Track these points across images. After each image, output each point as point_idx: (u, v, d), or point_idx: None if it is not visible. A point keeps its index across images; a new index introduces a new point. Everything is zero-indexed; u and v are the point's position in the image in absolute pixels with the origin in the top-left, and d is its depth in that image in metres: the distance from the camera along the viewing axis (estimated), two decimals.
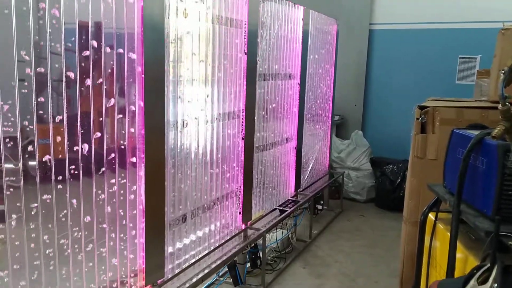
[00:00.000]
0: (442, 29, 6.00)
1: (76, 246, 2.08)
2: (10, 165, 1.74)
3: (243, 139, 3.40)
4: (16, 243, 1.81)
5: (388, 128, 6.44)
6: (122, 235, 2.34)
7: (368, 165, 6.01)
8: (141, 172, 2.40)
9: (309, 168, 4.92)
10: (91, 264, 2.18)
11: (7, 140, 1.74)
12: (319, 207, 5.21)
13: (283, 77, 4.05)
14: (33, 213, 1.86)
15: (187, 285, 2.70)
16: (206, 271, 2.88)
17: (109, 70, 2.15)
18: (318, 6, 4.85)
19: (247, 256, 3.66)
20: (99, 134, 2.12)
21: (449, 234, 1.81)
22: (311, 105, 4.75)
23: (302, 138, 4.54)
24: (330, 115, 5.47)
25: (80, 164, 2.04)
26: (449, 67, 5.97)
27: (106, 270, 2.26)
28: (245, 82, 3.34)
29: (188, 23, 2.65)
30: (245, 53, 3.31)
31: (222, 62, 3.04)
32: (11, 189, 1.77)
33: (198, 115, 2.85)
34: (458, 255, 1.71)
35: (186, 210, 2.83)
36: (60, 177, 1.95)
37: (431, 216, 2.10)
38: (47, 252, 1.94)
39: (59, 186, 1.96)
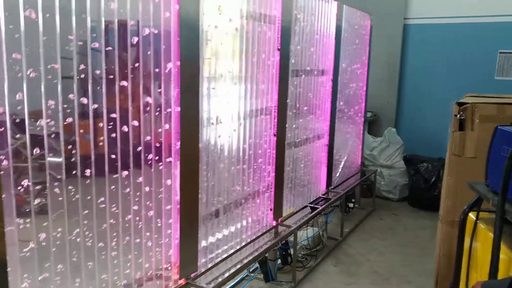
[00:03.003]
0: (480, 23, 5.81)
1: (114, 239, 2.12)
2: (53, 159, 1.78)
3: (274, 135, 3.38)
4: (57, 235, 1.85)
5: (422, 125, 6.30)
6: (157, 229, 2.37)
7: (401, 163, 5.90)
8: (177, 168, 2.42)
9: (341, 166, 4.86)
10: (129, 256, 2.21)
11: (51, 135, 1.78)
12: (351, 205, 5.14)
13: (316, 73, 4.01)
14: (73, 205, 1.90)
15: (220, 279, 2.72)
16: (238, 266, 2.89)
17: (147, 68, 2.17)
18: (352, 1, 4.77)
19: (278, 253, 3.65)
20: (137, 131, 2.15)
21: (491, 234, 1.75)
22: (343, 101, 4.69)
23: (334, 135, 4.48)
24: (363, 112, 5.39)
25: (119, 160, 2.07)
26: (488, 62, 5.78)
27: (142, 263, 2.29)
28: (277, 78, 3.33)
29: (222, 19, 2.65)
30: (278, 49, 3.29)
31: (255, 58, 3.03)
32: (55, 183, 1.81)
33: (231, 111, 2.85)
34: (502, 256, 1.65)
35: (219, 206, 2.84)
36: (97, 173, 1.99)
37: (472, 215, 2.04)
38: (88, 243, 1.99)
39: (100, 181, 1.99)
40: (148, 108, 2.22)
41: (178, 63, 2.32)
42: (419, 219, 5.32)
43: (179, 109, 2.36)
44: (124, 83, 2.06)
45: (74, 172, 1.89)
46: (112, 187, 2.07)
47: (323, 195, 4.39)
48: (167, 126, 2.33)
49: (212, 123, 2.68)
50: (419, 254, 4.32)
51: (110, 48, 1.97)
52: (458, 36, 5.96)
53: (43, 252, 1.82)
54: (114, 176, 2.07)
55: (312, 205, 4.04)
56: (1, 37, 1.58)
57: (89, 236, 2.00)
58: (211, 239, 2.81)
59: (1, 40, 1.58)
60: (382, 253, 4.33)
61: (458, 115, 2.89)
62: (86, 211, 1.96)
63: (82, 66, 1.86)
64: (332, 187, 4.60)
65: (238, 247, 3.04)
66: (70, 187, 1.88)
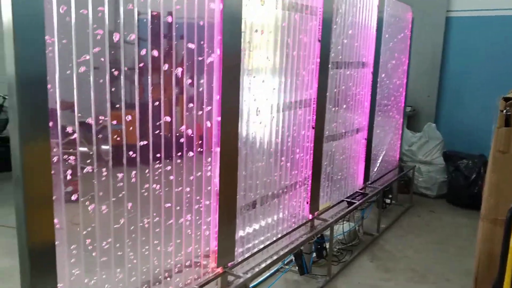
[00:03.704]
0: None
1: (157, 229, 2.16)
2: (85, 149, 1.82)
3: (313, 128, 3.36)
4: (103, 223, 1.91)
5: (463, 121, 6.12)
6: (197, 218, 2.41)
7: (440, 159, 5.76)
8: (216, 159, 2.44)
9: (379, 161, 4.79)
10: (170, 243, 2.26)
11: (82, 125, 1.80)
12: (388, 201, 5.07)
13: (356, 66, 3.96)
14: (104, 194, 1.95)
15: (256, 269, 2.74)
16: (274, 257, 2.91)
17: (189, 59, 2.20)
18: None
19: (313, 246, 3.64)
20: (178, 121, 2.18)
21: None
22: (383, 95, 4.61)
23: (372, 129, 4.42)
24: (403, 106, 5.29)
25: (162, 150, 2.11)
26: None
27: (182, 251, 2.33)
28: (317, 70, 3.30)
29: (264, 10, 2.65)
30: (319, 40, 3.26)
31: (296, 49, 3.01)
32: (88, 171, 1.87)
33: (270, 103, 2.85)
34: None
35: (256, 197, 2.85)
36: (137, 163, 2.03)
37: None
38: (132, 235, 2.04)
39: (141, 170, 2.04)
40: (189, 99, 2.24)
41: (220, 54, 2.34)
42: (457, 217, 5.19)
43: (220, 100, 2.38)
44: (166, 73, 2.09)
45: (117, 161, 1.93)
46: (155, 177, 2.11)
47: (360, 190, 4.34)
48: (208, 117, 2.36)
49: (252, 115, 2.69)
50: (457, 253, 4.22)
51: (153, 38, 2.00)
52: (503, 29, 5.74)
53: (89, 240, 1.88)
54: (156, 165, 2.11)
55: (349, 200, 4.01)
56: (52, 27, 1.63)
57: (132, 224, 2.05)
58: (248, 229, 2.83)
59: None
60: (419, 250, 4.25)
61: (505, 110, 2.79)
62: (130, 203, 2.01)
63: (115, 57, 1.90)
64: (370, 182, 4.55)
65: (274, 239, 3.05)
66: (112, 175, 1.93)
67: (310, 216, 3.48)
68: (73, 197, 1.79)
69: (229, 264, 2.63)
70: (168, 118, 2.13)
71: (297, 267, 3.53)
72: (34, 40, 1.53)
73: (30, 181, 1.59)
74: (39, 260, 1.66)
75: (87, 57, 1.74)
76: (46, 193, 1.65)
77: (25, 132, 1.55)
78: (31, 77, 1.53)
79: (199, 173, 2.37)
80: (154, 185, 2.12)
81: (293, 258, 3.51)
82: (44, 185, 1.64)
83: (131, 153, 1.97)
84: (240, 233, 2.74)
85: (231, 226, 2.63)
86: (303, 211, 3.42)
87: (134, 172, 2.00)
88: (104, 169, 1.88)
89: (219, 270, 2.57)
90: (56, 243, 1.72)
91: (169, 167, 2.18)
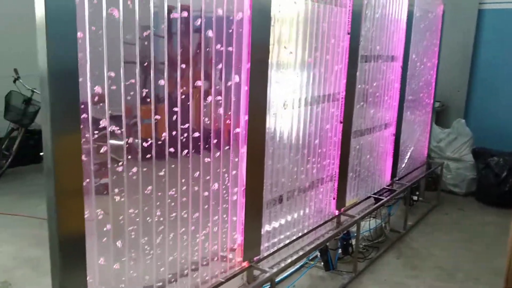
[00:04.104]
0: None
1: (184, 222, 2.16)
2: (116, 142, 1.82)
3: (341, 122, 3.31)
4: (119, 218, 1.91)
5: (494, 117, 5.96)
6: (224, 212, 2.40)
7: (469, 156, 5.62)
8: (243, 153, 2.42)
9: (407, 157, 4.70)
10: (197, 235, 2.25)
11: (113, 119, 1.80)
12: (415, 198, 4.96)
13: (385, 59, 3.88)
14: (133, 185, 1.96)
15: (282, 264, 2.72)
16: (300, 253, 2.88)
17: (217, 52, 2.18)
18: None
19: (339, 242, 3.60)
20: (207, 114, 2.17)
21: None
22: (412, 89, 4.51)
23: (401, 124, 4.33)
24: (432, 101, 5.17)
25: (190, 144, 2.11)
26: None
27: (208, 244, 2.33)
28: (346, 64, 3.24)
29: (292, 2, 2.61)
30: (348, 33, 3.20)
31: (325, 42, 2.96)
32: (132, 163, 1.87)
33: (297, 97, 2.81)
34: None
35: (283, 191, 2.83)
36: (162, 156, 2.03)
37: None
38: (160, 227, 2.04)
39: (169, 164, 2.04)
40: (217, 93, 2.23)
41: (249, 47, 2.31)
42: (486, 215, 5.06)
43: (247, 93, 2.36)
44: (192, 67, 2.08)
45: (146, 154, 1.93)
46: (183, 170, 2.11)
47: (388, 186, 4.27)
48: (235, 111, 2.34)
49: (279, 108, 2.66)
50: (486, 252, 4.11)
51: (174, 33, 1.99)
52: None
53: (118, 232, 1.88)
54: (184, 157, 2.11)
55: (376, 196, 3.95)
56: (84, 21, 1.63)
57: (159, 216, 2.05)
58: (274, 224, 2.81)
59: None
60: (446, 248, 4.16)
61: None
62: (159, 193, 2.02)
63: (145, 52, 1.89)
64: (397, 178, 4.46)
65: (300, 234, 3.02)
66: (138, 169, 1.93)
67: (337, 212, 3.44)
68: (103, 189, 1.79)
69: (255, 258, 2.62)
70: (202, 114, 2.12)
71: (322, 263, 3.50)
72: (65, 34, 1.53)
73: (61, 173, 1.59)
74: (69, 252, 1.68)
75: (120, 52, 1.74)
76: (76, 185, 1.66)
77: (56, 124, 1.56)
78: (62, 71, 1.54)
79: (226, 168, 2.36)
80: (182, 180, 2.11)
81: (319, 253, 3.48)
82: (75, 177, 1.65)
83: (160, 147, 1.97)
84: (266, 227, 2.72)
85: (257, 220, 2.62)
86: (330, 207, 3.38)
87: (163, 169, 2.00)
88: (135, 163, 1.88)
89: (245, 264, 2.56)
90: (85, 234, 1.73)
91: (196, 162, 2.17)
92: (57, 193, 1.60)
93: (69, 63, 1.55)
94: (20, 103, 5.51)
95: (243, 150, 2.43)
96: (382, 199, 3.90)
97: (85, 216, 1.71)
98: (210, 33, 2.11)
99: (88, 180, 1.72)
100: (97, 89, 1.69)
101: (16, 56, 5.51)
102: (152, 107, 1.91)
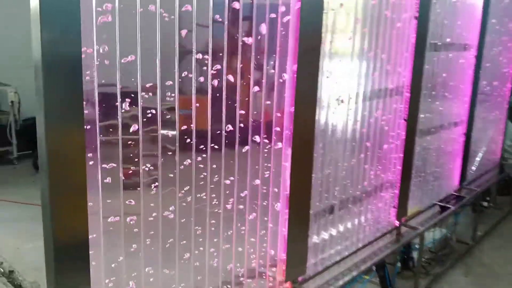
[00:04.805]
0: None
1: (216, 233, 1.85)
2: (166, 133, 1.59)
3: (405, 120, 2.88)
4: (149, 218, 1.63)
5: None
6: (263, 223, 2.06)
7: None
8: (288, 155, 2.07)
9: (477, 158, 4.15)
10: (228, 245, 1.93)
11: (148, 111, 1.56)
12: (485, 204, 4.42)
13: (457, 48, 3.38)
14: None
15: (332, 287, 2.35)
16: (353, 272, 2.49)
17: (260, 41, 1.83)
18: None
19: (398, 256, 3.17)
20: (242, 111, 1.84)
21: None
22: (486, 83, 3.95)
23: (472, 122, 3.80)
24: (508, 97, 4.56)
25: (223, 142, 1.79)
26: None
27: (244, 258, 2.01)
28: (412, 53, 2.80)
29: None
30: (415, 17, 2.75)
31: (387, 28, 2.54)
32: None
33: (354, 91, 2.41)
34: None
35: (334, 200, 2.45)
36: (198, 154, 1.72)
37: None
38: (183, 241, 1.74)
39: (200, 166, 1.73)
40: (259, 86, 1.89)
41: (297, 35, 1.95)
42: None
43: (294, 87, 2.00)
44: (234, 57, 1.75)
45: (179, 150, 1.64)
46: (215, 177, 1.79)
47: (455, 192, 3.77)
48: (279, 106, 1.99)
49: (332, 104, 2.28)
50: None
51: (218, 22, 1.68)
52: None
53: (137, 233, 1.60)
54: (217, 162, 1.79)
55: (442, 204, 3.47)
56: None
57: (192, 224, 1.75)
58: (323, 237, 2.44)
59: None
60: None
61: None
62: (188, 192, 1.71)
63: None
64: (466, 183, 3.94)
65: (354, 249, 2.63)
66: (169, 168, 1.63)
67: (397, 223, 3.01)
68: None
69: (300, 278, 2.26)
70: (238, 108, 1.79)
71: (378, 279, 3.09)
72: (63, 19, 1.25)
73: (56, 171, 1.31)
74: (67, 266, 1.40)
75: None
76: (80, 187, 1.38)
77: (52, 118, 1.28)
78: (57, 59, 1.26)
79: (267, 172, 2.01)
80: (212, 185, 1.80)
81: (375, 268, 3.08)
82: (78, 177, 1.37)
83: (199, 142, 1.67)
84: (313, 241, 2.36)
85: (303, 234, 2.26)
86: (389, 217, 2.96)
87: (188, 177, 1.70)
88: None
89: (288, 286, 2.21)
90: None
91: (231, 164, 1.85)
92: (52, 194, 1.32)
93: (65, 50, 1.27)
94: None
95: (288, 152, 2.07)
96: (449, 208, 3.41)
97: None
98: (249, 20, 1.77)
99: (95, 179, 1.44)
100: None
101: None
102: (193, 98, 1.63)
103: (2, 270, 2.39)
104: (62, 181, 1.34)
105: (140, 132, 1.54)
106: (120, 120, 1.47)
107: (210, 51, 1.68)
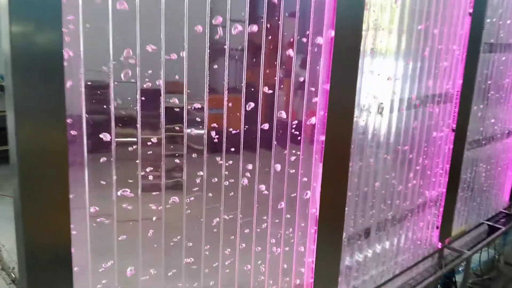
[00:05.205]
0: None
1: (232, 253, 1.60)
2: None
3: (453, 130, 2.54)
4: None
5: None
6: (287, 248, 1.80)
7: None
8: (318, 169, 1.79)
9: None
10: (247, 266, 1.68)
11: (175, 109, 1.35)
12: None
13: None
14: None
15: None
16: None
17: (290, 39, 1.56)
18: None
19: (439, 280, 2.84)
20: (268, 118, 1.57)
21: None
22: None
23: None
24: None
25: (241, 149, 1.53)
26: None
27: (264, 282, 1.75)
28: (464, 54, 2.46)
29: None
30: (470, 14, 2.41)
31: (438, 26, 2.22)
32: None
33: (396, 97, 2.11)
34: None
35: (371, 222, 2.16)
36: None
37: None
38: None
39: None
40: (286, 87, 1.62)
41: (332, 33, 1.67)
42: None
43: (328, 90, 1.71)
44: (263, 55, 1.49)
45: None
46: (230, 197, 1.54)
47: (504, 209, 3.39)
48: (309, 113, 1.71)
49: (371, 112, 1.98)
50: None
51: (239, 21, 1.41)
52: None
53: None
54: (234, 175, 1.53)
55: (490, 223, 3.11)
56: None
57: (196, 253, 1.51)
58: (356, 261, 2.15)
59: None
60: None
61: None
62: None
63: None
64: None
65: (391, 276, 2.33)
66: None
67: (439, 245, 2.68)
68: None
69: None
70: (260, 111, 1.53)
71: None
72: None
73: (27, 176, 1.08)
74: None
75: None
76: (58, 195, 1.15)
77: (23, 115, 1.05)
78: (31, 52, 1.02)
79: (293, 184, 1.74)
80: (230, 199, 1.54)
81: None
82: (58, 183, 1.14)
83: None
84: (345, 265, 2.08)
85: (334, 258, 1.98)
86: (431, 238, 2.64)
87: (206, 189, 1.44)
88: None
89: None
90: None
91: (251, 177, 1.59)
92: (23, 201, 1.09)
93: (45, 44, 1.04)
94: None
95: (317, 164, 1.79)
96: (500, 228, 3.05)
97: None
98: (276, 15, 1.50)
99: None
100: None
101: None
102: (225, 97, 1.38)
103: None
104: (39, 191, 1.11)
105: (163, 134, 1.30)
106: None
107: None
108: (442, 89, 2.39)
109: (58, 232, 1.17)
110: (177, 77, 1.31)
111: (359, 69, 1.82)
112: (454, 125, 2.54)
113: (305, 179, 1.76)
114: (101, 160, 1.22)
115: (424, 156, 2.39)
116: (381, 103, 2.01)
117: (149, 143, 1.31)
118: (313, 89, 1.68)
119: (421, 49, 2.16)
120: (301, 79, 1.64)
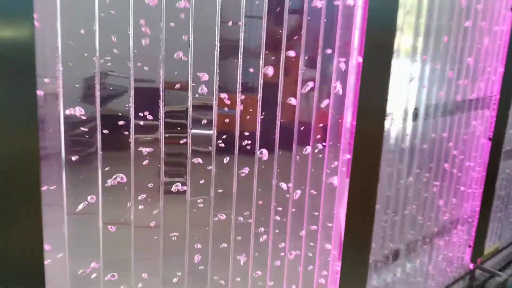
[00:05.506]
0: None
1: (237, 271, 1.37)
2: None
3: (490, 139, 2.29)
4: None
5: None
6: (309, 264, 1.57)
7: None
8: (344, 184, 1.56)
9: None
10: None
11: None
12: None
13: None
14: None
15: None
16: None
17: (312, 41, 1.33)
18: None
19: None
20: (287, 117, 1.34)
21: None
22: None
23: None
24: None
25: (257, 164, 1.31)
26: None
27: None
28: (505, 55, 2.21)
29: None
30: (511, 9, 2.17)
31: (478, 22, 1.97)
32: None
33: (430, 102, 1.86)
34: None
35: (401, 243, 1.91)
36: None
37: None
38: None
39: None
40: (307, 93, 1.39)
41: (363, 23, 1.43)
42: None
43: (357, 94, 1.48)
44: (286, 57, 1.26)
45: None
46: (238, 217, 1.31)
47: None
48: (334, 120, 1.48)
49: (406, 119, 1.74)
50: None
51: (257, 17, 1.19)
52: None
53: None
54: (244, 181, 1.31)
55: None
56: None
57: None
58: (384, 285, 1.91)
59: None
60: None
61: None
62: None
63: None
64: None
65: None
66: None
67: (471, 266, 2.43)
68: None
69: None
70: (279, 116, 1.30)
71: None
72: None
73: None
74: None
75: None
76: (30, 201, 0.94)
77: None
78: None
79: (314, 203, 1.51)
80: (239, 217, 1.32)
81: None
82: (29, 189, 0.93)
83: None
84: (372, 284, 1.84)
85: (360, 282, 1.74)
86: (462, 259, 2.38)
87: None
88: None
89: None
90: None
91: (266, 208, 1.36)
92: None
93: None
94: None
95: (344, 179, 1.56)
96: None
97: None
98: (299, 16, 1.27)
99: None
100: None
101: None
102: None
103: None
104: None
105: (162, 137, 1.08)
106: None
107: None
108: (480, 93, 2.14)
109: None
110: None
111: (390, 71, 1.58)
112: (491, 134, 2.28)
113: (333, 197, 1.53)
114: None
115: (459, 169, 2.15)
116: (417, 109, 1.76)
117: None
118: (340, 91, 1.45)
119: (460, 50, 1.91)
120: (326, 84, 1.40)
